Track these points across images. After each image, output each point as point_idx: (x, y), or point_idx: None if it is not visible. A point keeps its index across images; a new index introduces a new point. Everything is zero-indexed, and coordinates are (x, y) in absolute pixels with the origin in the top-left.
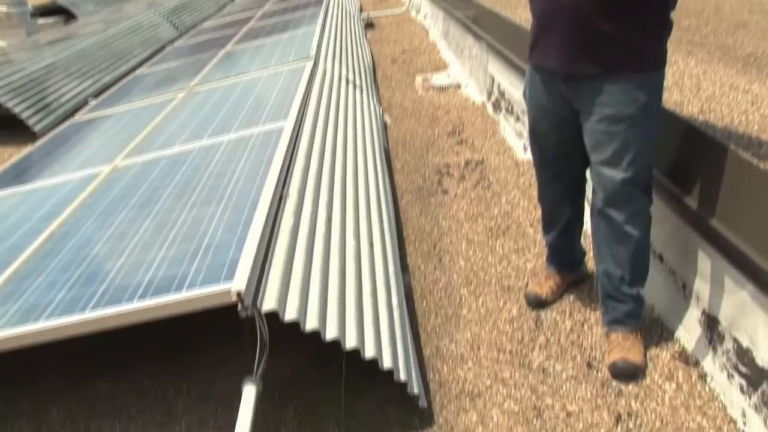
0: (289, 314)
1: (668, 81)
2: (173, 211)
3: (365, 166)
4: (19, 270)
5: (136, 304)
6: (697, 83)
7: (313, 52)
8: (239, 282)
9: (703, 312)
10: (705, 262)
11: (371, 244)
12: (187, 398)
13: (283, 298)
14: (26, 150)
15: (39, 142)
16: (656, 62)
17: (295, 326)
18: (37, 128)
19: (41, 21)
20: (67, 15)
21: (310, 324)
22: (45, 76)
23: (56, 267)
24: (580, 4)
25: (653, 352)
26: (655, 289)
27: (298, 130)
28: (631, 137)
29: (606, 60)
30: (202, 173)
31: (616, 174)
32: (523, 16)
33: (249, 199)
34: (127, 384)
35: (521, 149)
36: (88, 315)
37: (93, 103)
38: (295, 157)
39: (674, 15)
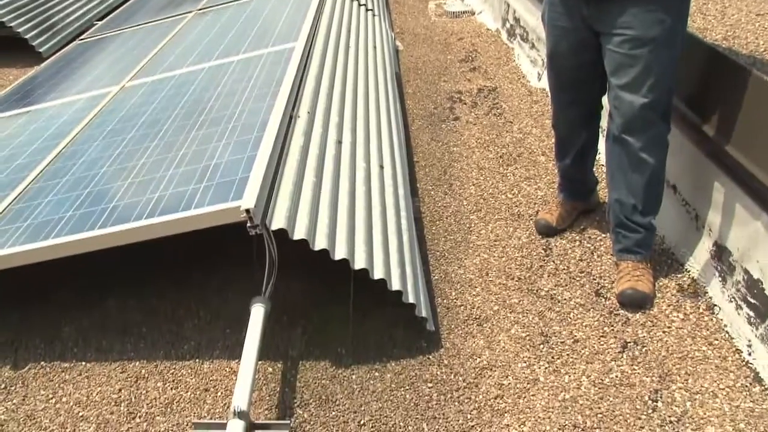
0: (299, 233)
1: (692, 7)
2: (182, 131)
3: (376, 90)
4: (29, 189)
5: (144, 221)
6: (722, 9)
7: None
8: (248, 200)
9: (715, 243)
10: (720, 192)
11: (381, 167)
12: (197, 318)
13: (292, 216)
14: (32, 71)
15: (45, 63)
16: None
17: (304, 246)
18: (42, 49)
19: None
20: None
21: (319, 243)
22: None
23: (65, 186)
24: None
25: (662, 282)
26: (667, 220)
27: (309, 51)
28: (654, 61)
29: None
30: (211, 94)
31: (636, 99)
32: None
33: (258, 119)
34: (136, 303)
35: (535, 77)
36: (97, 232)
37: (99, 24)
38: (306, 78)
39: None
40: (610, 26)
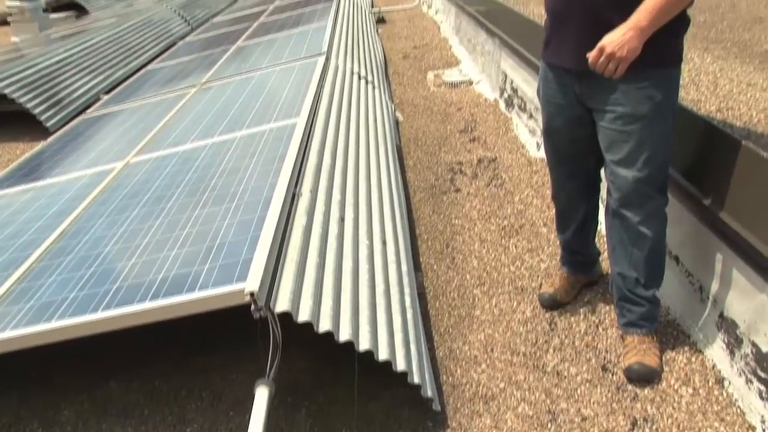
0: (303, 315)
1: (685, 78)
2: (185, 209)
3: (377, 164)
4: (32, 268)
5: (148, 304)
6: (714, 80)
7: (324, 47)
8: (252, 282)
9: (721, 315)
10: (722, 263)
11: (384, 243)
12: (200, 400)
13: (296, 298)
14: (39, 146)
15: (51, 138)
16: (672, 59)
17: (308, 327)
18: (49, 124)
19: (54, 16)
20: (79, 10)
21: (324, 325)
22: (57, 72)
23: (69, 265)
24: (594, 1)
25: (669, 355)
26: (671, 291)
27: (311, 127)
28: (647, 136)
29: None
30: (215, 171)
31: (631, 174)
32: (536, 12)
33: (261, 198)
34: (139, 385)
35: (534, 147)
36: (101, 315)
37: (105, 98)
38: (308, 154)
39: (690, 11)
40: (602, 103)
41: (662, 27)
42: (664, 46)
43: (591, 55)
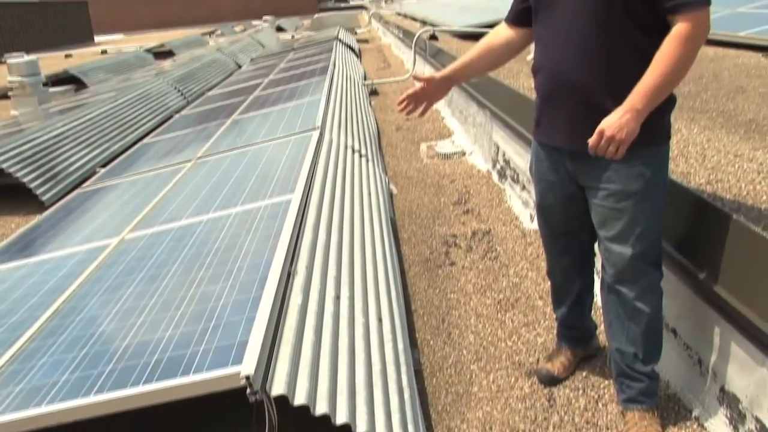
0: (299, 398)
1: (673, 150)
2: (180, 288)
3: (372, 238)
4: (23, 349)
5: (142, 388)
6: (702, 152)
7: (319, 122)
8: (248, 366)
9: (722, 389)
10: (720, 336)
11: (380, 320)
12: None
13: (292, 381)
14: (34, 221)
15: (47, 213)
16: (661, 136)
17: (306, 407)
18: (45, 198)
19: (53, 90)
20: (78, 83)
21: (320, 408)
22: (54, 146)
23: (61, 346)
24: (581, 80)
25: (671, 430)
26: (670, 365)
27: (306, 202)
28: (639, 213)
29: None
30: (210, 248)
31: (625, 250)
32: (526, 85)
33: (257, 276)
34: None
35: (528, 219)
36: (93, 399)
37: (101, 172)
38: (303, 231)
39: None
40: (594, 181)
41: (656, 107)
42: (653, 125)
43: (591, 141)
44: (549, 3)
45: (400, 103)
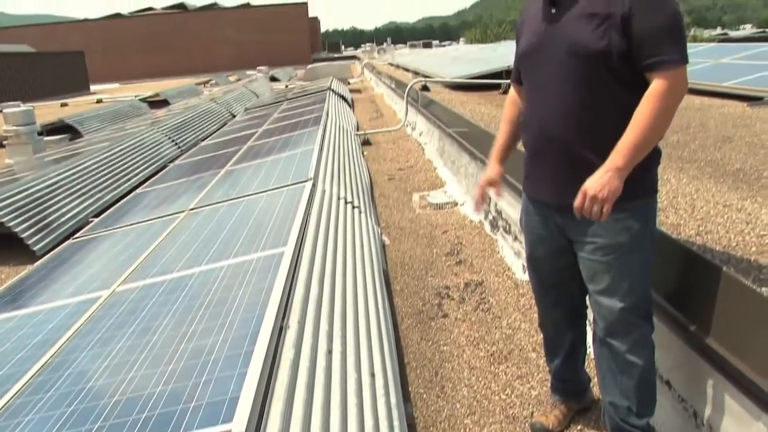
0: None
1: (663, 201)
2: (171, 343)
3: (365, 291)
4: (10, 404)
5: None
6: (691, 202)
7: (311, 173)
8: (239, 424)
9: None
10: (714, 389)
11: (372, 375)
12: None
13: None
14: (24, 271)
15: (37, 264)
16: (646, 190)
17: None
18: (36, 248)
19: (48, 138)
20: (73, 132)
21: None
22: (48, 195)
23: (48, 402)
24: (566, 136)
25: None
26: (665, 417)
27: (298, 255)
28: (627, 266)
29: None
30: (201, 301)
31: (615, 303)
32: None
33: (249, 331)
34: None
35: (520, 269)
36: None
37: (94, 222)
38: (295, 285)
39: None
40: (582, 234)
41: (640, 162)
42: (638, 179)
43: (576, 202)
44: (533, 60)
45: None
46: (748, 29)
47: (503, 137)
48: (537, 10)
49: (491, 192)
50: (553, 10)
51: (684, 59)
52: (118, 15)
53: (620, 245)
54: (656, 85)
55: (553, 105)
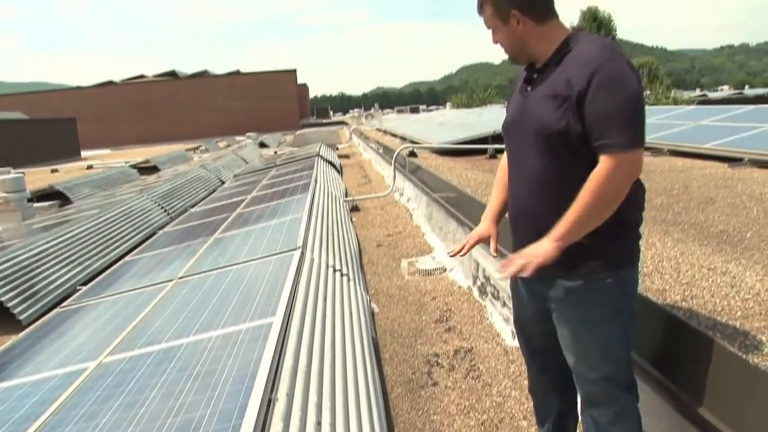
0: None
1: (648, 266)
2: (158, 417)
3: (354, 361)
4: None
5: None
6: (676, 266)
7: (300, 241)
8: None
9: None
10: None
11: None
12: None
13: None
14: (9, 341)
15: (23, 333)
16: (618, 262)
17: None
18: (23, 317)
19: (38, 205)
20: (63, 198)
21: None
22: (36, 264)
23: None
24: (534, 208)
25: None
26: None
27: (287, 325)
28: (602, 337)
29: (567, 262)
30: (190, 373)
31: (591, 374)
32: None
33: (237, 404)
34: None
35: (509, 335)
36: None
37: (82, 290)
38: (284, 356)
39: (646, 195)
40: (556, 304)
41: (603, 233)
42: (608, 251)
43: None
44: (511, 135)
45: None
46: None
47: (495, 200)
48: (518, 85)
49: (490, 248)
50: (528, 88)
51: (633, 144)
52: (110, 82)
53: (592, 317)
54: (600, 167)
55: (525, 179)
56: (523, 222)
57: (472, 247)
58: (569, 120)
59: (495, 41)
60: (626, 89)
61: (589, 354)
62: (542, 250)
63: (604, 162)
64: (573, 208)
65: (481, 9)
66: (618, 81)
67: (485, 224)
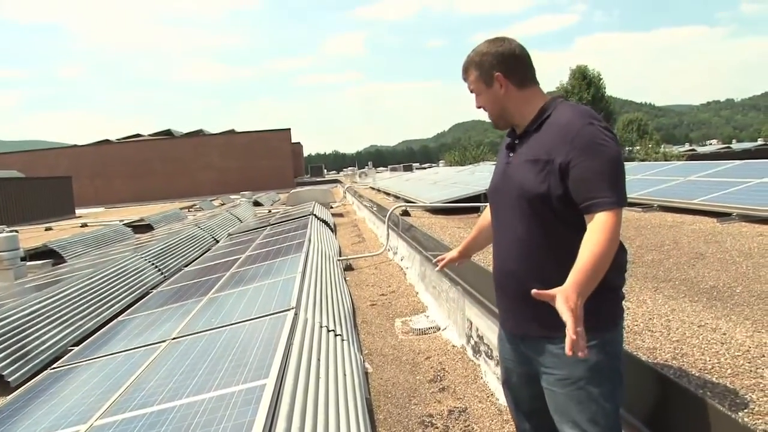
0: None
1: (639, 324)
2: None
3: (347, 422)
4: None
5: None
6: (666, 324)
7: (294, 302)
8: None
9: None
10: None
11: None
12: None
13: None
14: None
15: (11, 396)
16: (602, 324)
17: None
18: (11, 379)
19: (31, 263)
20: (56, 257)
21: None
22: (27, 325)
23: None
24: (518, 270)
25: None
26: None
27: (280, 387)
28: (587, 398)
29: (549, 323)
30: None
31: None
32: None
33: None
34: None
35: (503, 395)
36: None
37: (74, 351)
38: (277, 418)
39: (637, 251)
40: (543, 365)
41: (590, 297)
42: (592, 312)
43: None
44: (495, 200)
45: (438, 262)
46: (714, 144)
47: (470, 238)
48: (502, 151)
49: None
50: (510, 155)
51: (619, 202)
52: (106, 141)
53: (578, 378)
54: (594, 224)
55: (507, 242)
56: (507, 284)
57: (445, 264)
58: (550, 183)
59: (478, 106)
60: (606, 151)
61: (577, 415)
62: (573, 315)
63: (597, 219)
64: (582, 261)
65: (465, 74)
66: (598, 144)
67: (457, 254)
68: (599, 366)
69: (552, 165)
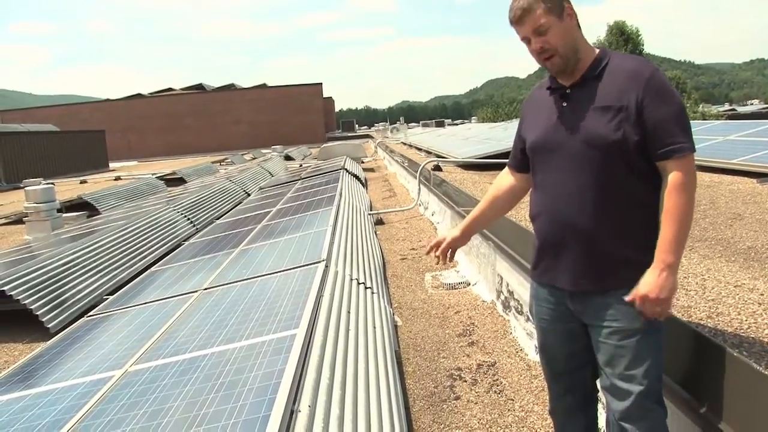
0: None
1: None
2: (182, 425)
3: (377, 374)
4: None
5: None
6: (701, 283)
7: (324, 254)
8: None
9: None
10: None
11: None
12: None
13: None
14: (37, 349)
15: (50, 342)
16: None
17: None
18: (50, 325)
19: (67, 215)
20: (91, 209)
21: None
22: (63, 273)
23: None
24: (585, 225)
25: None
26: None
27: (310, 338)
28: (643, 350)
29: (613, 278)
30: (213, 383)
31: (632, 387)
32: (526, 217)
33: (260, 415)
34: None
35: (533, 350)
36: None
37: (109, 300)
38: (307, 368)
39: None
40: (597, 319)
41: (651, 249)
42: (641, 266)
43: (636, 303)
44: (548, 150)
45: (429, 251)
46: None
47: (477, 212)
48: (544, 104)
49: (436, 254)
50: (564, 104)
51: (693, 147)
52: (138, 95)
53: (636, 330)
54: (676, 177)
55: (569, 195)
56: (569, 240)
57: (444, 251)
58: (625, 130)
59: (540, 46)
60: (677, 98)
61: (633, 368)
62: (662, 281)
63: (677, 171)
64: (669, 226)
65: (527, 13)
66: (669, 90)
67: (459, 233)
68: (655, 319)
69: (626, 111)
